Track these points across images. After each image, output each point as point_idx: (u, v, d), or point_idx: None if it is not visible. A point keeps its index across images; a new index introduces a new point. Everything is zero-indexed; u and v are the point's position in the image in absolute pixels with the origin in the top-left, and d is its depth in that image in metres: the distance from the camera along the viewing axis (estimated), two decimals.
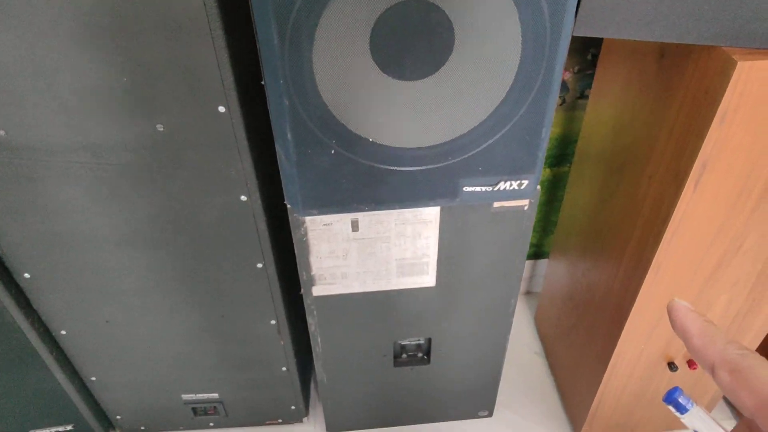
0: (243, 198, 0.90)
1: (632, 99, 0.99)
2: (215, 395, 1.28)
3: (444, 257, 1.00)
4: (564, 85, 1.27)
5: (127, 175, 0.86)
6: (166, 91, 0.77)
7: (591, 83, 1.26)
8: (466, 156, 0.86)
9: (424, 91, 0.81)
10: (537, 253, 1.62)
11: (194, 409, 1.31)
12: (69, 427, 1.28)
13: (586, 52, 1.22)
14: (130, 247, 0.95)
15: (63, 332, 1.10)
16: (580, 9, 0.72)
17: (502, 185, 0.89)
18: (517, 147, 0.85)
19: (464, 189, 0.89)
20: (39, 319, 1.07)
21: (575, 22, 0.74)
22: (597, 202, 1.17)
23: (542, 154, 0.86)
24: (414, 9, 0.73)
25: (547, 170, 1.43)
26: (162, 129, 0.81)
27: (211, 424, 1.36)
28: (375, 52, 0.76)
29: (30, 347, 1.08)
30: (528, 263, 1.65)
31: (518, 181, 0.89)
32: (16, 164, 0.83)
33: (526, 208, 0.94)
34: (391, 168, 0.86)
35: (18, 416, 1.22)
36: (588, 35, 0.74)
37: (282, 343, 1.16)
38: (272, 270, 1.02)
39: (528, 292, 1.72)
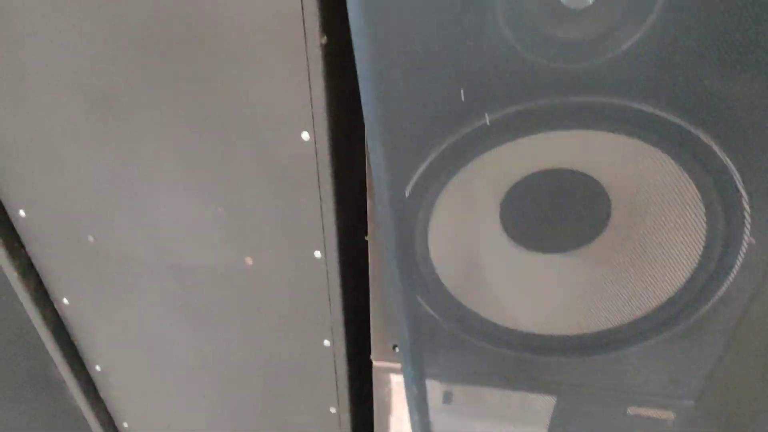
0: (326, 343, 0.79)
1: None
2: None
3: None
4: None
5: (208, 302, 0.78)
6: (261, 228, 0.68)
7: None
8: (606, 355, 0.68)
9: (567, 266, 0.65)
10: None
11: None
12: None
13: None
14: (202, 372, 0.87)
15: (125, 425, 1.04)
16: None
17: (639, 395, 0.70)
18: (674, 359, 0.66)
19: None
20: (105, 410, 1.01)
21: None
22: None
23: (704, 373, 0.66)
24: (557, 178, 0.59)
25: None
26: (251, 263, 0.72)
27: None
28: (506, 222, 0.62)
29: None
30: None
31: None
32: (102, 268, 0.78)
33: (670, 424, 0.74)
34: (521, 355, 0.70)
35: None
36: None
37: None
38: (346, 418, 0.89)
39: None
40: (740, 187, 0.53)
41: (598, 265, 0.63)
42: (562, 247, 0.63)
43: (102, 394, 0.99)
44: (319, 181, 0.62)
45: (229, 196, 0.66)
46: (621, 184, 0.58)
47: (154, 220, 0.70)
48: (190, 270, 0.75)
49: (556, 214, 0.61)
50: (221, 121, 0.60)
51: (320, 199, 0.64)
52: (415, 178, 0.57)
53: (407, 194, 0.58)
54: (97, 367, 0.94)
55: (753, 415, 0.93)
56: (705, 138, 0.51)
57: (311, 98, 0.56)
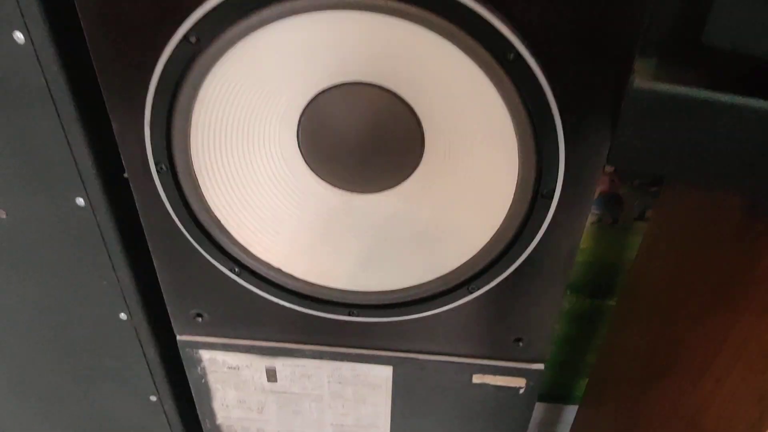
0: (123, 316, 0.66)
1: (705, 244, 0.68)
2: None
3: None
4: (618, 201, 0.96)
5: None
6: (4, 171, 0.54)
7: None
8: (430, 313, 0.57)
9: (377, 210, 0.54)
10: (564, 396, 1.28)
11: None
12: None
13: None
14: None
15: None
16: (617, 137, 0.43)
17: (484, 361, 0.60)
18: (512, 311, 0.56)
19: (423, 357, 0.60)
20: None
21: (610, 153, 0.44)
22: (643, 368, 0.84)
23: (553, 317, 0.57)
24: (364, 100, 0.47)
25: (587, 301, 1.10)
26: (4, 217, 0.58)
27: None
28: (307, 153, 0.51)
29: None
30: (551, 407, 1.30)
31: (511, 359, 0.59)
32: None
33: (521, 390, 0.64)
34: (314, 314, 0.59)
35: None
36: (624, 167, 0.45)
37: None
38: (170, 405, 0.76)
39: None
40: (550, 98, 0.43)
41: (415, 207, 0.53)
42: (374, 186, 0.53)
43: None
44: (52, 98, 0.49)
45: None
46: (429, 101, 0.47)
47: None
48: None
49: (367, 148, 0.50)
50: None
51: (61, 125, 0.50)
52: (153, 82, 0.44)
53: (152, 92, 0.45)
54: None
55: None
56: (509, 35, 0.40)
57: None
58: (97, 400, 0.76)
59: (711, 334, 0.64)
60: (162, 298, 0.66)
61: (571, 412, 1.30)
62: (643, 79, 0.41)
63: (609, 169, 0.92)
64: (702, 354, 0.65)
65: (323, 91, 0.48)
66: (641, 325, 0.87)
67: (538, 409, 1.31)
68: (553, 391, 1.28)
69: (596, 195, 0.96)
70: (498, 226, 0.50)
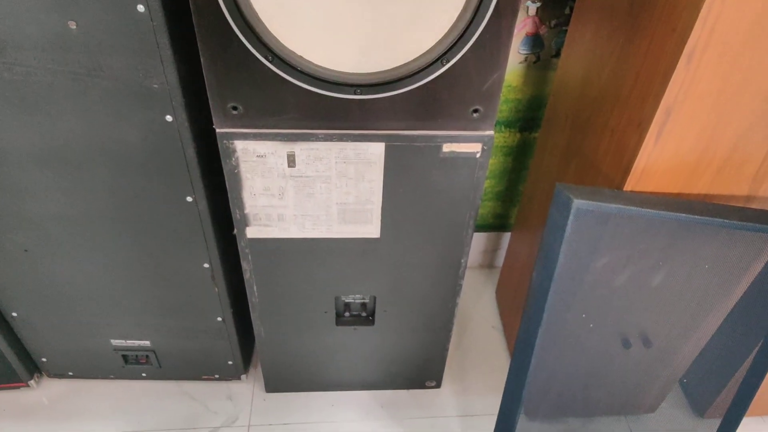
0: (168, 118, 0.83)
1: (601, 48, 0.92)
2: (147, 343, 1.20)
3: (389, 206, 0.93)
4: (539, 41, 1.19)
5: (39, 80, 0.77)
6: None
7: None
8: (415, 86, 0.78)
9: (371, 5, 0.73)
10: (502, 225, 1.56)
11: (125, 357, 1.24)
12: None
13: (565, 5, 1.15)
14: (48, 166, 0.87)
15: None
16: None
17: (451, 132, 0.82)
18: (470, 84, 0.78)
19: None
20: None
21: None
22: (560, 166, 1.10)
23: (499, 88, 0.79)
24: None
25: (517, 135, 1.36)
26: (74, 28, 0.73)
27: (144, 374, 1.29)
28: None
29: None
30: (492, 235, 1.58)
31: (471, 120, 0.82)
32: None
33: (478, 155, 0.87)
34: (329, 94, 0.78)
35: None
36: None
37: (216, 290, 1.09)
38: (204, 206, 0.94)
39: (491, 266, 1.66)
40: None
41: (400, 3, 0.72)
42: None
43: None
44: None
45: None
46: None
47: None
48: (13, 45, 0.74)
49: None
50: None
51: None
52: None
53: None
54: None
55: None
56: None
57: None
58: (142, 198, 0.93)
59: (608, 106, 0.89)
60: (200, 103, 0.83)
61: (507, 238, 1.59)
62: None
63: (532, 11, 1.15)
64: (602, 118, 0.91)
65: None
66: (557, 143, 1.12)
67: (481, 239, 1.59)
68: (493, 221, 1.56)
69: (522, 38, 1.19)
70: (461, 8, 0.71)
